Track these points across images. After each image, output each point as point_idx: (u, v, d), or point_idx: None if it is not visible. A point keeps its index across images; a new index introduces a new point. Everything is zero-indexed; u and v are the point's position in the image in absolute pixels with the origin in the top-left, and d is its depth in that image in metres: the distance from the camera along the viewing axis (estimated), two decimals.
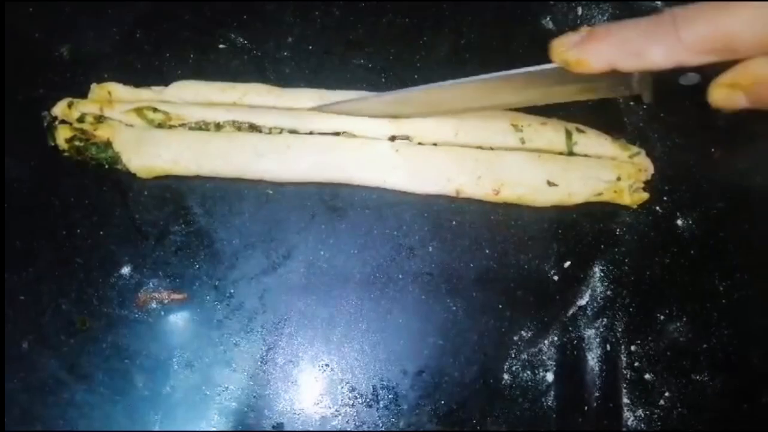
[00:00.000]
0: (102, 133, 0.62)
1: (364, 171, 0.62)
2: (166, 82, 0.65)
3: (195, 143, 0.62)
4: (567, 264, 0.64)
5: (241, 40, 0.69)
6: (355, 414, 0.60)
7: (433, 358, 0.61)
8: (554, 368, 0.61)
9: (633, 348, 0.62)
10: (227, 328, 0.61)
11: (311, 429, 0.60)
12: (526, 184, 0.62)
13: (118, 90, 0.64)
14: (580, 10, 0.71)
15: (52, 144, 0.63)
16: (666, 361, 0.62)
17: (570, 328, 0.62)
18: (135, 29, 0.68)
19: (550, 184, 0.62)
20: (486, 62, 0.69)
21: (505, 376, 0.61)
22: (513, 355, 0.62)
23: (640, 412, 0.61)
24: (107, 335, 0.60)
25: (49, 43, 0.67)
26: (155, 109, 0.63)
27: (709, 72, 0.46)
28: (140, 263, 0.62)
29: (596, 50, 0.47)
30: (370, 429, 0.60)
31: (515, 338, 0.62)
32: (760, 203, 0.66)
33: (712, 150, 0.67)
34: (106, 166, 0.63)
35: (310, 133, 0.63)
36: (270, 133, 0.63)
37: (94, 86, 0.65)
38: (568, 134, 0.64)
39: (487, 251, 0.64)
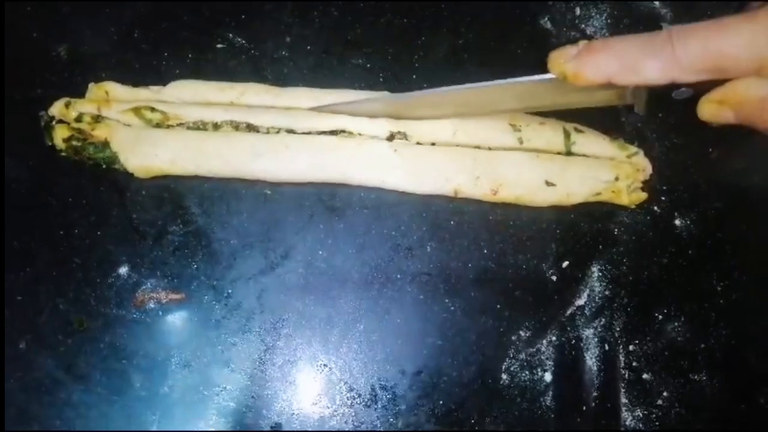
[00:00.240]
0: (99, 132, 0.62)
1: (363, 171, 0.62)
2: (163, 82, 0.65)
3: (193, 143, 0.62)
4: (565, 264, 0.64)
5: (239, 39, 0.69)
6: (353, 414, 0.60)
7: (431, 358, 0.61)
8: (552, 368, 0.61)
9: (631, 348, 0.62)
10: (225, 328, 0.61)
11: (309, 429, 0.59)
12: (524, 184, 0.62)
13: (116, 89, 0.64)
14: (578, 11, 0.71)
15: (50, 144, 0.63)
16: (664, 361, 0.62)
17: (568, 328, 0.62)
18: (133, 29, 0.68)
19: (548, 184, 0.62)
20: (484, 62, 0.69)
21: (504, 376, 0.61)
22: (511, 355, 0.61)
23: (638, 411, 0.61)
24: (105, 335, 0.60)
25: (47, 43, 0.67)
26: (153, 109, 0.63)
27: (701, 88, 0.48)
28: (138, 263, 0.62)
29: (593, 63, 0.49)
30: (369, 429, 0.60)
31: (513, 338, 0.62)
32: (758, 203, 0.66)
33: (710, 150, 0.67)
34: (104, 166, 0.63)
35: (308, 132, 0.63)
36: (268, 133, 0.63)
37: (91, 86, 0.64)
38: (567, 134, 0.64)
39: (486, 251, 0.64)
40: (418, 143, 0.63)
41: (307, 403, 0.60)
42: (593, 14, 0.71)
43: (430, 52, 0.69)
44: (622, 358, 0.62)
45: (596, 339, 0.62)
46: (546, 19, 0.71)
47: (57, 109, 0.63)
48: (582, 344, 0.62)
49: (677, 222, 0.65)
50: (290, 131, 0.63)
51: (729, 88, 0.47)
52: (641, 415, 0.61)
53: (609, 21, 0.71)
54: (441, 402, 0.60)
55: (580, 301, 0.63)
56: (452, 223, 0.64)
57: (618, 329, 0.63)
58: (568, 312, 0.63)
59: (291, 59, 0.68)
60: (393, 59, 0.69)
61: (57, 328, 0.60)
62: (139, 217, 0.63)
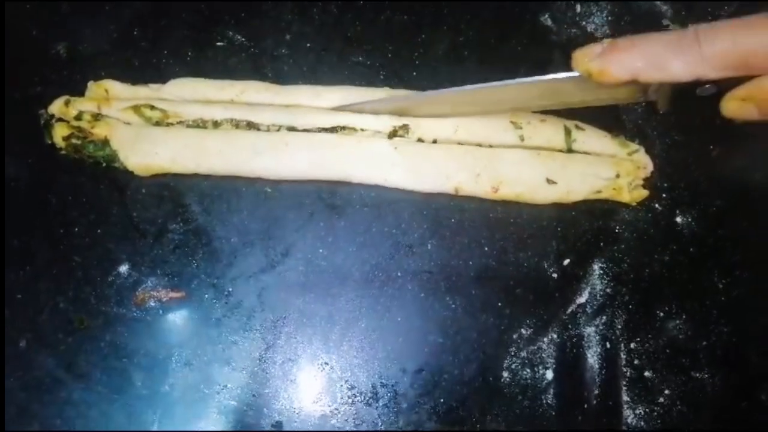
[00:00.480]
0: (99, 130, 0.62)
1: (363, 169, 0.62)
2: (163, 80, 0.65)
3: (193, 141, 0.62)
4: (566, 262, 0.64)
5: (239, 37, 0.69)
6: (354, 412, 0.60)
7: (432, 356, 0.61)
8: (554, 366, 0.61)
9: (632, 345, 0.62)
10: (226, 326, 0.61)
11: (310, 427, 0.59)
12: (525, 181, 0.62)
13: (116, 88, 0.64)
14: (578, 8, 0.71)
15: (50, 142, 0.63)
16: (665, 359, 0.62)
17: (569, 326, 0.62)
18: (132, 27, 0.68)
19: (549, 181, 0.62)
20: (485, 60, 0.69)
21: (505, 374, 0.61)
22: (512, 353, 0.61)
23: (639, 409, 0.61)
24: (105, 334, 0.60)
25: (46, 41, 0.67)
26: (153, 107, 0.63)
27: (725, 85, 0.49)
28: (138, 261, 0.62)
29: (619, 61, 0.49)
30: (370, 427, 0.59)
31: (515, 336, 0.62)
32: (760, 200, 0.66)
33: (711, 147, 0.67)
34: (104, 164, 0.63)
35: (309, 129, 0.62)
36: (268, 130, 0.63)
37: (91, 84, 0.64)
38: (568, 131, 0.64)
39: (487, 249, 0.64)
40: (419, 140, 0.63)
41: (308, 402, 0.60)
42: (594, 12, 0.71)
43: (430, 50, 0.69)
44: (623, 356, 0.62)
45: (597, 337, 0.62)
46: (546, 16, 0.71)
47: (57, 107, 0.63)
48: (583, 342, 0.62)
49: (678, 219, 0.65)
50: (291, 128, 0.63)
51: (754, 85, 0.48)
52: (643, 412, 0.61)
53: (609, 18, 0.71)
54: (442, 400, 0.60)
55: (582, 299, 0.63)
56: (453, 220, 0.64)
57: (619, 327, 0.62)
58: (570, 310, 0.63)
59: (291, 57, 0.68)
60: (393, 56, 0.69)
61: (57, 326, 0.60)
62: (139, 216, 0.63)
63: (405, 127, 0.63)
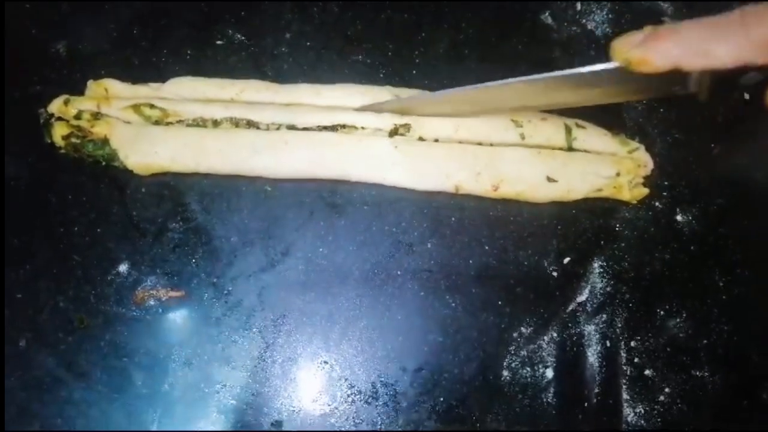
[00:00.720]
0: (99, 130, 0.62)
1: (363, 167, 0.62)
2: (163, 79, 0.65)
3: (192, 140, 0.62)
4: (566, 260, 0.64)
5: (239, 36, 0.69)
6: (354, 411, 0.60)
7: (432, 355, 0.61)
8: (554, 364, 0.61)
9: (633, 344, 0.62)
10: (226, 325, 0.61)
11: (310, 426, 0.59)
12: (525, 180, 0.62)
13: (115, 87, 0.64)
14: (579, 6, 0.71)
15: (49, 141, 0.63)
16: (666, 357, 0.62)
17: (570, 325, 0.62)
18: (132, 26, 0.68)
19: (549, 180, 0.62)
20: (485, 58, 0.69)
21: (505, 373, 0.61)
22: (512, 352, 0.61)
23: (640, 408, 0.61)
24: (105, 333, 0.60)
25: (46, 40, 0.67)
26: (152, 106, 0.63)
27: None
28: (138, 260, 0.62)
29: (661, 49, 0.47)
30: (369, 426, 0.59)
31: (515, 335, 0.62)
32: (760, 199, 0.66)
33: (712, 146, 0.67)
34: (103, 163, 0.63)
35: (309, 128, 0.62)
36: (268, 129, 0.62)
37: (90, 83, 0.64)
38: (568, 130, 0.64)
39: (487, 248, 0.64)
40: (420, 139, 0.63)
41: (307, 401, 0.60)
42: (594, 9, 0.71)
43: (430, 48, 0.69)
44: (623, 355, 0.62)
45: (598, 335, 0.62)
46: (547, 14, 0.71)
47: (56, 106, 0.63)
48: (583, 340, 0.62)
49: (679, 218, 0.65)
50: (291, 127, 0.62)
51: None
52: (643, 411, 0.61)
53: (610, 16, 0.71)
54: (442, 399, 0.60)
55: (582, 298, 0.63)
56: (453, 219, 0.64)
57: (619, 325, 0.62)
58: (570, 308, 0.63)
59: (291, 55, 0.68)
60: (393, 55, 0.69)
61: (57, 326, 0.60)
62: (138, 215, 0.63)
63: (407, 125, 0.62)
